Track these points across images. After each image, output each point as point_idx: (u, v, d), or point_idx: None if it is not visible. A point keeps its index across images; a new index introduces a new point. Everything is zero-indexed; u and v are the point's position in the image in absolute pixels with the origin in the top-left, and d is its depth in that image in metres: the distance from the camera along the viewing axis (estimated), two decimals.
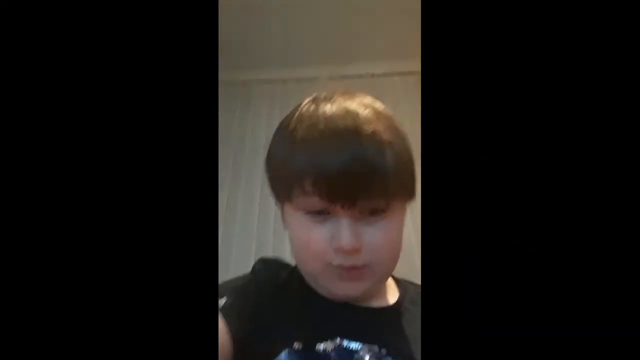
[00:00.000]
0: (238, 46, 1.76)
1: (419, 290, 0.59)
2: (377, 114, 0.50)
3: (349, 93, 0.53)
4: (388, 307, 0.54)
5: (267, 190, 0.56)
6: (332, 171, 0.45)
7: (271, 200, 0.56)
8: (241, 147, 1.92)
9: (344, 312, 0.50)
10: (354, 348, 0.46)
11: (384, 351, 0.46)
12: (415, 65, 1.95)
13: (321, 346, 0.46)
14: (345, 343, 0.46)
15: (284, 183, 0.50)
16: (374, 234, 0.48)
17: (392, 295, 0.57)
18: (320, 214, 0.48)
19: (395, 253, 0.52)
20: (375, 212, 0.48)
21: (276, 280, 0.56)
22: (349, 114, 0.48)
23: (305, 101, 0.53)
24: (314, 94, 0.54)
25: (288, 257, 0.55)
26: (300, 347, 0.46)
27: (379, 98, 0.56)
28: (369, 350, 0.46)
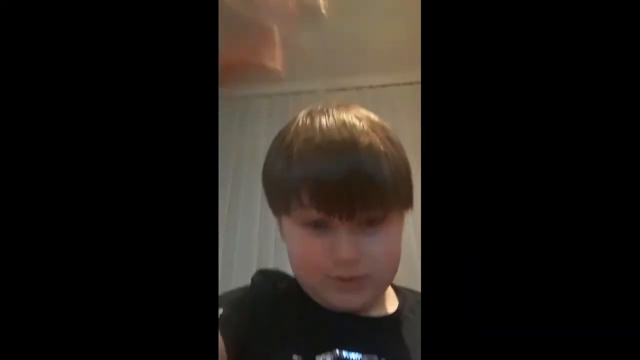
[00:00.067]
0: None
1: (419, 298, 0.59)
2: (373, 125, 0.50)
3: (344, 105, 0.54)
4: (387, 316, 0.54)
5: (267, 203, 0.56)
6: (330, 184, 0.45)
7: (271, 212, 0.57)
8: (241, 160, 1.93)
9: (343, 322, 0.50)
10: (353, 358, 0.46)
11: None
12: (413, 76, 1.96)
13: (320, 358, 0.46)
14: (344, 354, 0.46)
15: (281, 196, 0.50)
16: (372, 244, 0.48)
17: (392, 304, 0.57)
18: (318, 226, 0.48)
19: (394, 262, 0.52)
20: (373, 223, 0.48)
21: (275, 292, 0.56)
22: (345, 126, 0.48)
23: (301, 114, 0.53)
24: (310, 107, 0.55)
25: (289, 268, 0.56)
26: (300, 358, 0.45)
27: (378, 109, 0.57)
28: None
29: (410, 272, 0.65)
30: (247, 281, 0.60)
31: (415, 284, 0.62)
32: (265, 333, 0.50)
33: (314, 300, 0.53)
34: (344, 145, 0.46)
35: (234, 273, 1.66)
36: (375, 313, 0.54)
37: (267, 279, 0.59)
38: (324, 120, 0.49)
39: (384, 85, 2.04)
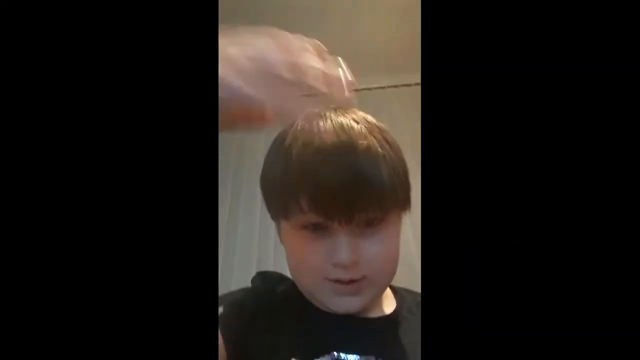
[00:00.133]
0: None
1: (417, 298, 0.59)
2: (371, 127, 0.50)
3: (342, 108, 0.53)
4: (385, 317, 0.54)
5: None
6: (328, 187, 0.45)
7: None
8: (241, 163, 1.93)
9: (341, 324, 0.50)
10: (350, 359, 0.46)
11: None
12: (411, 78, 1.97)
13: None
14: (342, 356, 0.46)
15: (279, 201, 0.51)
16: (371, 246, 0.48)
17: (389, 305, 0.57)
18: (317, 230, 0.49)
19: (393, 264, 0.52)
20: (371, 225, 0.49)
21: (274, 294, 0.56)
22: (342, 129, 0.48)
23: (299, 118, 0.53)
24: (307, 111, 0.55)
25: (288, 272, 0.56)
26: None
27: (376, 111, 0.57)
28: None
29: (409, 273, 0.65)
30: (246, 284, 0.60)
31: (415, 285, 0.62)
32: (264, 335, 0.50)
33: (312, 303, 0.53)
34: (342, 148, 0.46)
35: (234, 276, 1.66)
36: (373, 314, 0.54)
37: (267, 282, 0.59)
38: (322, 124, 0.49)
39: (382, 87, 2.04)
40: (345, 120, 0.50)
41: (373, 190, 0.46)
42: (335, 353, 0.46)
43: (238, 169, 1.93)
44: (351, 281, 0.48)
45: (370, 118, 0.53)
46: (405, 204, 0.53)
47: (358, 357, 0.46)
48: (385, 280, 0.53)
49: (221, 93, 0.32)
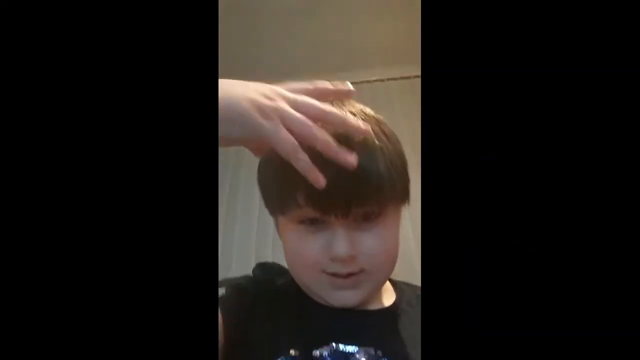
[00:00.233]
0: (233, 57, 1.77)
1: (416, 292, 0.59)
2: (368, 119, 0.50)
3: (339, 101, 0.53)
4: (385, 309, 0.54)
5: None
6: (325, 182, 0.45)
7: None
8: (239, 159, 1.92)
9: (341, 316, 0.50)
10: (350, 351, 0.46)
11: (379, 353, 0.46)
12: (410, 70, 1.96)
13: (317, 352, 0.46)
14: (341, 347, 0.46)
15: (276, 196, 0.50)
16: (368, 240, 0.48)
17: (389, 297, 0.57)
18: (314, 224, 0.48)
19: (391, 257, 0.52)
20: (369, 218, 0.48)
21: (273, 285, 0.56)
22: None
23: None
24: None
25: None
26: (296, 353, 0.46)
27: (375, 104, 0.56)
28: (365, 353, 0.46)
29: (408, 269, 0.65)
30: None
31: (414, 281, 0.62)
32: (263, 324, 0.50)
33: (310, 297, 0.53)
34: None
35: (232, 273, 1.66)
36: (372, 306, 0.54)
37: (267, 272, 0.59)
38: None
39: (381, 80, 2.03)
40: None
41: (369, 184, 0.46)
42: (334, 344, 0.46)
43: (236, 169, 1.92)
44: (349, 275, 0.48)
45: (368, 110, 0.53)
46: (404, 196, 0.53)
47: (357, 348, 0.46)
48: (384, 273, 0.53)
49: (238, 127, 0.38)
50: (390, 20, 1.79)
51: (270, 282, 0.57)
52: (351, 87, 0.48)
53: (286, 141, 0.40)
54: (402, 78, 2.00)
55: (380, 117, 0.53)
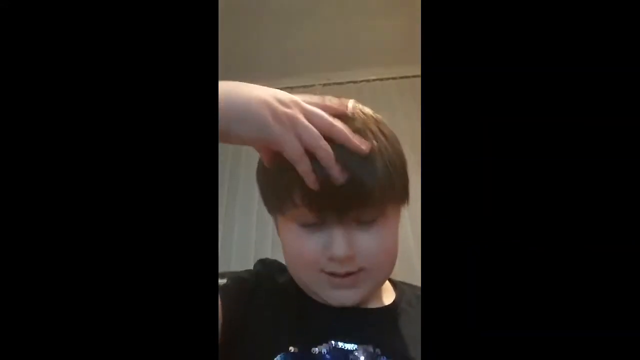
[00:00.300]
0: (233, 57, 1.77)
1: (416, 292, 0.59)
2: (366, 120, 0.50)
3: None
4: (384, 308, 0.54)
5: None
6: (320, 183, 0.45)
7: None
8: (238, 158, 1.92)
9: (340, 314, 0.50)
10: (348, 348, 0.46)
11: (378, 351, 0.47)
12: (409, 69, 1.96)
13: (316, 349, 0.46)
14: (340, 344, 0.47)
15: (275, 196, 0.50)
16: (367, 239, 0.48)
17: (389, 296, 0.57)
18: (313, 224, 0.48)
19: (390, 257, 0.52)
20: (367, 219, 0.48)
21: (274, 282, 0.56)
22: None
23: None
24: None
25: None
26: (296, 350, 0.46)
27: (375, 103, 0.56)
28: (364, 351, 0.46)
29: (407, 268, 0.65)
30: None
31: (413, 281, 0.62)
32: (262, 320, 0.50)
33: (310, 296, 0.53)
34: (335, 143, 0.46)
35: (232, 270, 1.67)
36: (372, 305, 0.54)
37: (267, 269, 0.59)
38: None
39: (380, 79, 2.03)
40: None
41: (367, 185, 0.46)
42: (333, 342, 0.47)
43: (234, 169, 1.92)
44: (347, 274, 0.48)
45: (367, 110, 0.53)
46: (403, 197, 0.53)
47: (356, 346, 0.47)
48: (383, 273, 0.53)
49: (251, 126, 0.40)
50: (389, 20, 1.79)
51: (271, 279, 0.57)
52: (350, 106, 0.50)
53: (293, 146, 0.42)
54: (401, 77, 2.01)
55: (379, 116, 0.53)
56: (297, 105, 0.44)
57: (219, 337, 0.46)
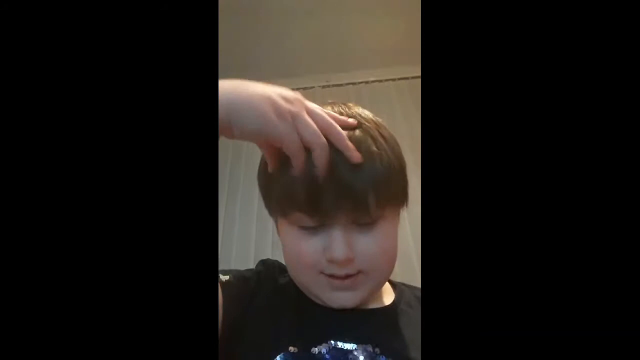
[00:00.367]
0: (231, 57, 1.76)
1: (415, 292, 0.60)
2: (365, 123, 0.50)
3: (337, 104, 0.54)
4: (383, 308, 0.55)
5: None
6: (317, 187, 0.45)
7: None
8: (238, 160, 1.92)
9: (339, 314, 0.51)
10: (348, 348, 0.47)
11: (377, 350, 0.47)
12: (408, 70, 1.96)
13: (315, 350, 0.46)
14: (339, 344, 0.47)
15: (275, 199, 0.51)
16: (366, 242, 0.48)
17: (388, 297, 0.57)
18: (313, 227, 0.49)
19: (389, 259, 0.52)
20: (366, 221, 0.49)
21: (275, 282, 0.57)
22: None
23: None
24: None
25: None
26: (295, 350, 0.46)
27: (374, 105, 0.57)
28: (363, 350, 0.47)
29: (407, 269, 0.65)
30: None
31: (412, 281, 0.62)
32: (262, 320, 0.51)
33: (309, 298, 0.53)
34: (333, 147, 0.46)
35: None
36: (371, 305, 0.54)
37: (268, 269, 0.59)
38: None
39: (379, 80, 2.03)
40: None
41: (366, 189, 0.46)
42: (332, 342, 0.47)
43: (234, 169, 1.92)
44: (347, 276, 0.49)
45: (366, 113, 0.53)
46: (402, 201, 0.53)
47: (355, 345, 0.47)
48: (382, 275, 0.53)
49: (252, 120, 0.41)
50: (388, 21, 1.79)
51: (272, 279, 0.57)
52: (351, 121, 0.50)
53: (293, 141, 0.42)
54: (400, 79, 2.01)
55: (379, 120, 0.53)
56: (300, 102, 0.45)
57: (220, 338, 0.46)
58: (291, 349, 0.46)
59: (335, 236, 0.47)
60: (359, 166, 0.45)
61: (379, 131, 0.50)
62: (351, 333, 0.48)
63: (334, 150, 0.45)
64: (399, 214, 0.54)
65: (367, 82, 2.04)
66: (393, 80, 2.02)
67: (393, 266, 0.53)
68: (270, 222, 0.60)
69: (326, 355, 0.46)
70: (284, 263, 0.56)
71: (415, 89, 1.93)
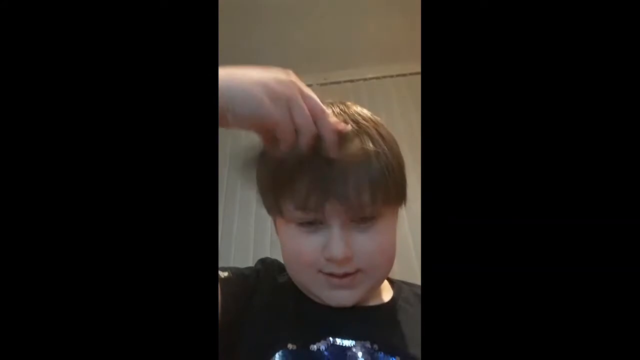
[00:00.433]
0: (229, 54, 1.75)
1: (414, 290, 0.60)
2: (364, 122, 0.50)
3: (335, 103, 0.53)
4: (382, 305, 0.55)
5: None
6: (314, 187, 0.45)
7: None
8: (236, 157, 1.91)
9: (338, 311, 0.51)
10: (346, 345, 0.47)
11: (376, 347, 0.47)
12: (406, 67, 1.96)
13: (314, 347, 0.46)
14: (338, 341, 0.47)
15: (273, 198, 0.51)
16: (365, 240, 0.49)
17: (387, 294, 0.57)
18: (312, 224, 0.49)
19: (388, 258, 0.53)
20: (365, 220, 0.49)
21: (274, 281, 0.57)
22: None
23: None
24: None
25: None
26: (294, 347, 0.46)
27: (372, 102, 0.57)
28: (362, 347, 0.47)
29: (406, 266, 0.65)
30: None
31: (411, 280, 0.62)
32: (261, 318, 0.51)
33: (307, 296, 0.54)
34: None
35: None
36: (370, 302, 0.54)
37: (267, 268, 0.59)
38: None
39: (377, 78, 2.03)
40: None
41: (363, 188, 0.46)
42: (331, 339, 0.47)
43: (232, 169, 1.91)
44: (345, 275, 0.49)
45: (365, 112, 0.53)
46: (400, 199, 0.53)
47: (354, 342, 0.47)
48: (380, 273, 0.53)
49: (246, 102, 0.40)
50: (385, 18, 1.78)
51: (271, 278, 0.57)
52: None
53: (286, 125, 0.42)
54: (398, 75, 2.00)
55: (377, 119, 0.53)
56: (295, 85, 0.44)
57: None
58: (290, 346, 0.46)
59: (334, 235, 0.47)
60: (356, 164, 0.45)
61: (377, 130, 0.50)
62: (350, 330, 0.48)
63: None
64: (397, 213, 0.54)
65: (365, 80, 2.03)
66: (391, 77, 2.01)
67: (392, 264, 0.53)
68: (268, 222, 0.60)
69: (325, 352, 0.46)
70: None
71: (413, 85, 1.93)
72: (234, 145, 1.93)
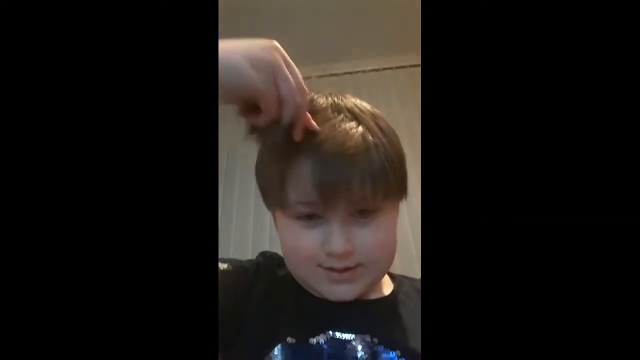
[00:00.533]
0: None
1: (415, 284, 0.60)
2: (363, 115, 0.50)
3: (333, 94, 0.53)
4: (382, 298, 0.55)
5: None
6: (314, 180, 0.45)
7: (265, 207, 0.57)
8: (234, 153, 1.91)
9: (338, 305, 0.51)
10: (346, 338, 0.47)
11: (375, 340, 0.47)
12: (405, 59, 1.95)
13: (314, 340, 0.47)
14: (337, 334, 0.47)
15: (272, 192, 0.50)
16: (365, 234, 0.48)
17: (387, 288, 0.57)
18: (311, 219, 0.49)
19: (389, 252, 0.52)
20: (364, 214, 0.48)
21: (274, 274, 0.57)
22: None
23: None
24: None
25: None
26: (293, 341, 0.46)
27: (371, 94, 0.56)
28: (362, 340, 0.47)
29: (406, 260, 0.65)
30: None
31: (412, 274, 0.62)
32: (261, 311, 0.51)
33: (307, 291, 0.53)
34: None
35: None
36: (370, 296, 0.54)
37: (268, 261, 0.59)
38: None
39: (377, 70, 2.02)
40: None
41: (363, 182, 0.46)
42: (330, 332, 0.47)
43: (230, 164, 1.91)
44: (345, 269, 0.49)
45: (364, 105, 0.53)
46: (400, 193, 0.53)
47: (353, 335, 0.47)
48: (381, 268, 0.53)
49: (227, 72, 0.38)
50: (384, 9, 1.77)
51: (271, 271, 0.57)
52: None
53: (271, 95, 0.41)
54: (398, 67, 1.99)
55: (376, 111, 0.53)
56: (279, 51, 0.43)
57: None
58: (289, 339, 0.46)
59: (334, 229, 0.47)
60: (354, 156, 0.45)
61: (375, 122, 0.50)
62: (349, 323, 0.48)
63: (331, 141, 0.44)
64: (397, 207, 0.54)
65: (364, 72, 2.02)
66: (391, 69, 2.01)
67: (392, 259, 0.53)
68: (267, 217, 0.60)
69: (324, 345, 0.46)
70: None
71: (412, 77, 1.92)
72: (232, 140, 1.94)
